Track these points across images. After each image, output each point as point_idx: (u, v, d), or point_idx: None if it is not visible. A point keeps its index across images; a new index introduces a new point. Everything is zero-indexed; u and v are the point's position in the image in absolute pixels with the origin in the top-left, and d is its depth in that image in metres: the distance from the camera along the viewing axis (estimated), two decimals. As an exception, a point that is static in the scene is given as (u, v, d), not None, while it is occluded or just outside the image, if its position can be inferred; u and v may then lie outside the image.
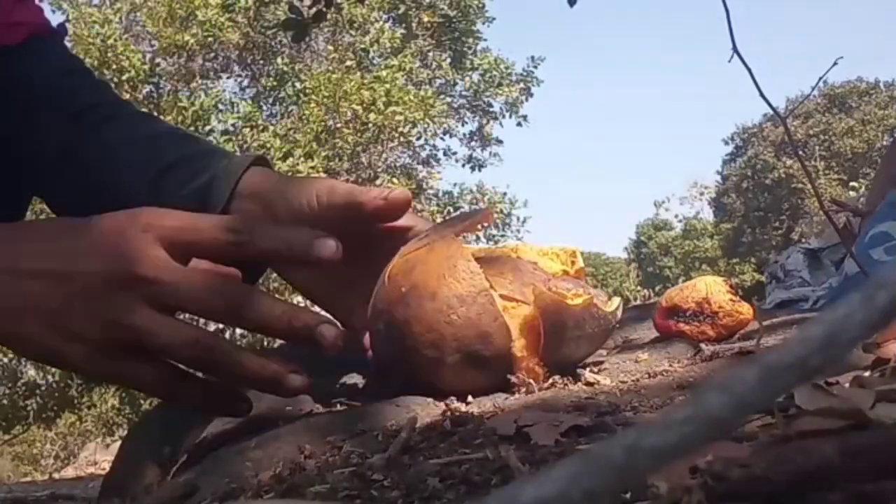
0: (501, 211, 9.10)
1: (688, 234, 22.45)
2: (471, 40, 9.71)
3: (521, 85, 9.83)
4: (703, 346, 1.13)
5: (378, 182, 8.07)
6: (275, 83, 8.49)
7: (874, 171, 5.85)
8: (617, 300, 0.76)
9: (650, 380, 1.02)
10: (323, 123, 7.56)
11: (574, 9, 2.60)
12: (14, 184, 0.80)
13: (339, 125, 7.66)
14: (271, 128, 7.65)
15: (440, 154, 9.65)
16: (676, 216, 24.29)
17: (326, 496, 0.60)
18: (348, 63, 8.00)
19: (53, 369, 7.40)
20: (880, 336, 0.76)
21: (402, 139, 8.03)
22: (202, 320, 0.65)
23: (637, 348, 1.23)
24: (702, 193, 23.24)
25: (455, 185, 9.70)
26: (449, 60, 9.45)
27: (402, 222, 0.68)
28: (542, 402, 0.94)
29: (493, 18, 9.90)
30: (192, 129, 7.42)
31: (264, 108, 8.39)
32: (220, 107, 7.76)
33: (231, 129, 7.85)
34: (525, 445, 0.70)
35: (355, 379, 0.71)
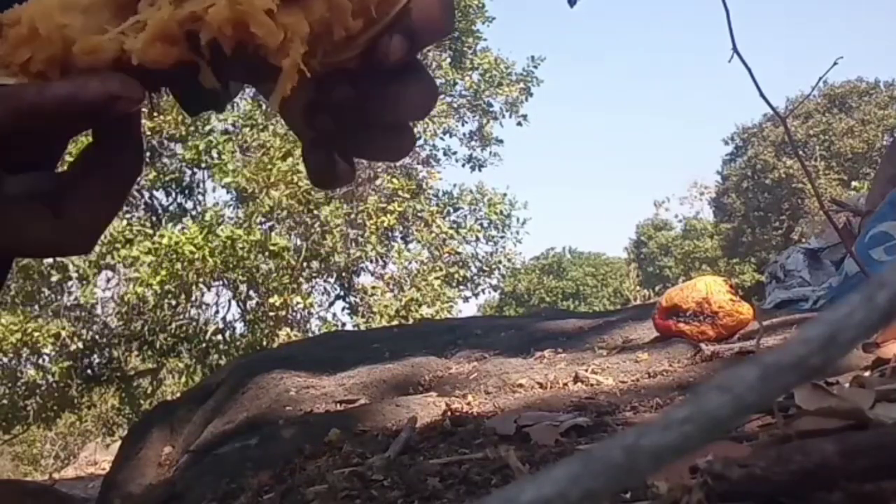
0: (501, 212, 9.09)
1: (688, 234, 22.45)
2: (471, 40, 9.70)
3: (521, 85, 9.83)
4: (703, 346, 1.13)
5: (378, 182, 8.07)
6: (275, 83, 8.50)
7: (874, 171, 5.85)
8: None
9: (650, 380, 1.02)
10: (323, 123, 7.56)
11: (574, 9, 2.60)
12: None
13: (339, 125, 7.66)
14: (271, 127, 7.65)
15: (440, 154, 9.65)
16: (676, 216, 24.27)
17: (326, 496, 0.60)
18: (348, 63, 8.00)
19: (54, 369, 7.41)
20: (880, 336, 0.76)
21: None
22: None
23: (637, 348, 1.23)
24: (702, 193, 23.25)
25: (455, 185, 9.68)
26: (449, 60, 9.45)
27: None
28: (542, 402, 0.94)
29: (493, 18, 9.89)
30: (191, 128, 7.42)
31: (264, 106, 8.40)
32: (220, 106, 7.75)
33: (231, 128, 7.85)
34: (525, 445, 0.70)
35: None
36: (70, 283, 7.44)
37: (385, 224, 7.68)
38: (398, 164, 8.68)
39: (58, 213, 0.42)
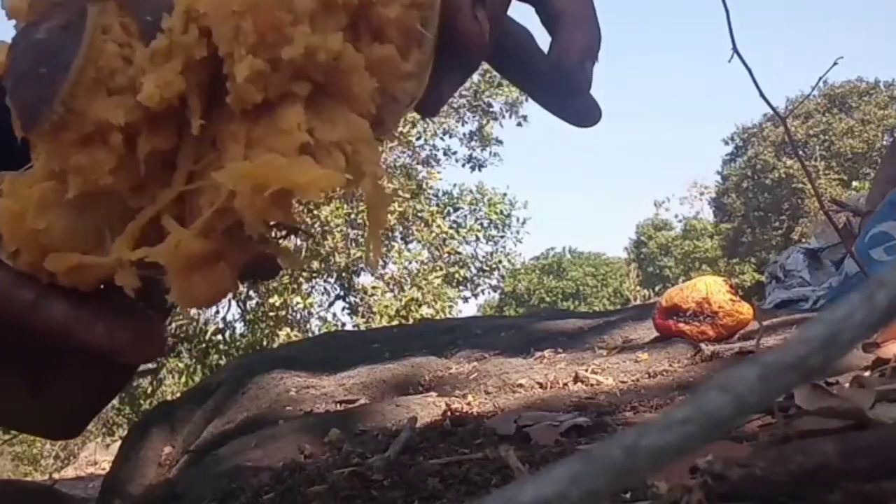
0: (501, 212, 9.09)
1: (688, 234, 22.44)
2: (471, 40, 9.68)
3: (522, 85, 9.82)
4: (703, 346, 1.13)
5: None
6: (275, 83, 8.49)
7: (874, 171, 5.85)
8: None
9: (650, 380, 1.02)
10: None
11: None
12: None
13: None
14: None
15: (440, 154, 9.65)
16: (676, 216, 24.27)
17: (326, 496, 0.60)
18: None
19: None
20: (880, 336, 0.76)
21: (402, 139, 8.03)
22: None
23: (637, 348, 1.23)
24: (702, 193, 23.25)
25: (455, 185, 9.69)
26: (449, 60, 9.44)
27: None
28: (542, 402, 0.94)
29: (494, 18, 9.85)
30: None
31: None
32: (220, 107, 7.75)
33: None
34: (525, 445, 0.70)
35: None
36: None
37: (385, 224, 7.67)
38: (398, 164, 8.68)
39: (37, 393, 0.36)
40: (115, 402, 8.46)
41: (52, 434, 0.39)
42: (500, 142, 10.12)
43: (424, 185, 8.76)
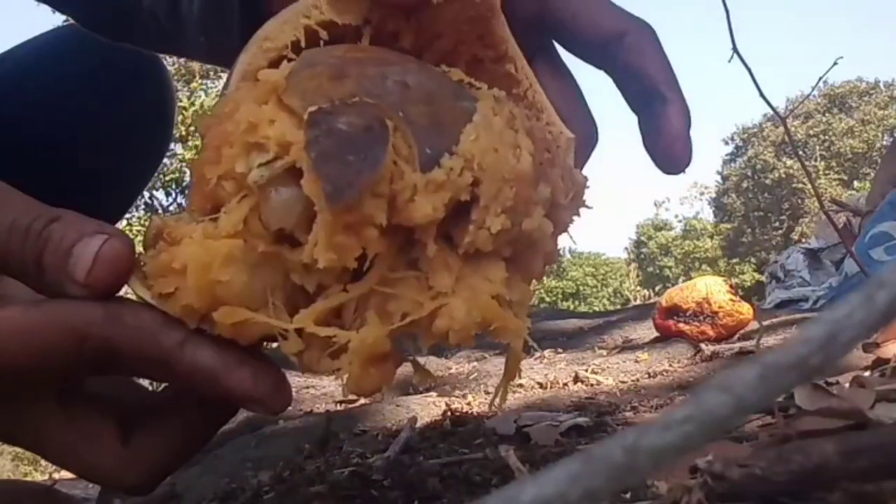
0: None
1: (688, 234, 22.46)
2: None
3: (521, 85, 9.83)
4: (703, 346, 1.13)
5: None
6: (275, 83, 8.48)
7: (874, 171, 5.85)
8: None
9: (650, 380, 1.02)
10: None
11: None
12: None
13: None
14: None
15: (440, 154, 9.65)
16: (676, 216, 24.32)
17: (326, 496, 0.60)
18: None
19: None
20: (880, 336, 0.76)
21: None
22: None
23: (637, 348, 1.23)
24: (702, 193, 23.28)
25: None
26: (449, 60, 9.46)
27: None
28: (542, 402, 0.94)
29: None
30: (191, 128, 7.41)
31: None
32: (220, 107, 7.74)
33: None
34: (525, 445, 0.70)
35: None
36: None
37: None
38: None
39: (126, 439, 0.37)
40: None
41: (130, 486, 0.38)
42: (500, 142, 10.12)
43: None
